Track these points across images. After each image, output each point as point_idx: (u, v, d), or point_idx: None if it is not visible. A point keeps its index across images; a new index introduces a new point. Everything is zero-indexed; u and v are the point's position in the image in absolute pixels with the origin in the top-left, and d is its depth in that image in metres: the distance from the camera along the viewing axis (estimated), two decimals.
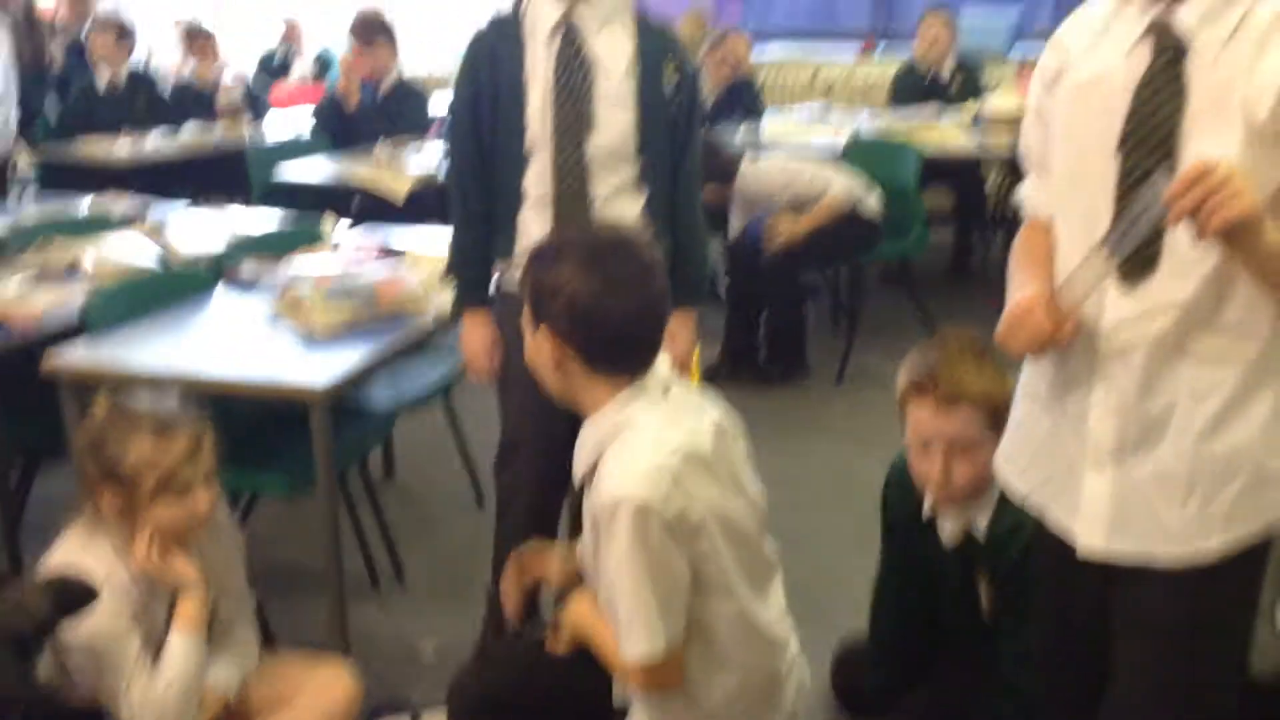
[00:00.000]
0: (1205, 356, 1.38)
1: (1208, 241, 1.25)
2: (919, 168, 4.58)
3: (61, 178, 5.01)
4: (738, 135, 5.12)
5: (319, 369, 2.36)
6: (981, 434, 1.81)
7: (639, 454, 1.55)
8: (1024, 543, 1.71)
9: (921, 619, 1.99)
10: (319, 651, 2.25)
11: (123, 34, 5.74)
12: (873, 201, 4.26)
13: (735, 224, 4.31)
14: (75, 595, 1.69)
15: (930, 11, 5.67)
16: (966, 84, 5.67)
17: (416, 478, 3.60)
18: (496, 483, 2.51)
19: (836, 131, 5.12)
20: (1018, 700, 1.80)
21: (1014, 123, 4.86)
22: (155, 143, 5.39)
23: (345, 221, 3.78)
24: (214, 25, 6.51)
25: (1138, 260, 1.37)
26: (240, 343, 2.58)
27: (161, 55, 7.39)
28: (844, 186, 4.15)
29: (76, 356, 2.45)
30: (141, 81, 5.86)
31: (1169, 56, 1.33)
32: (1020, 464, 1.60)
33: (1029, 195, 1.59)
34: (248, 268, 3.03)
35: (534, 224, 2.29)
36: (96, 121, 5.47)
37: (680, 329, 2.31)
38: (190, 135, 5.60)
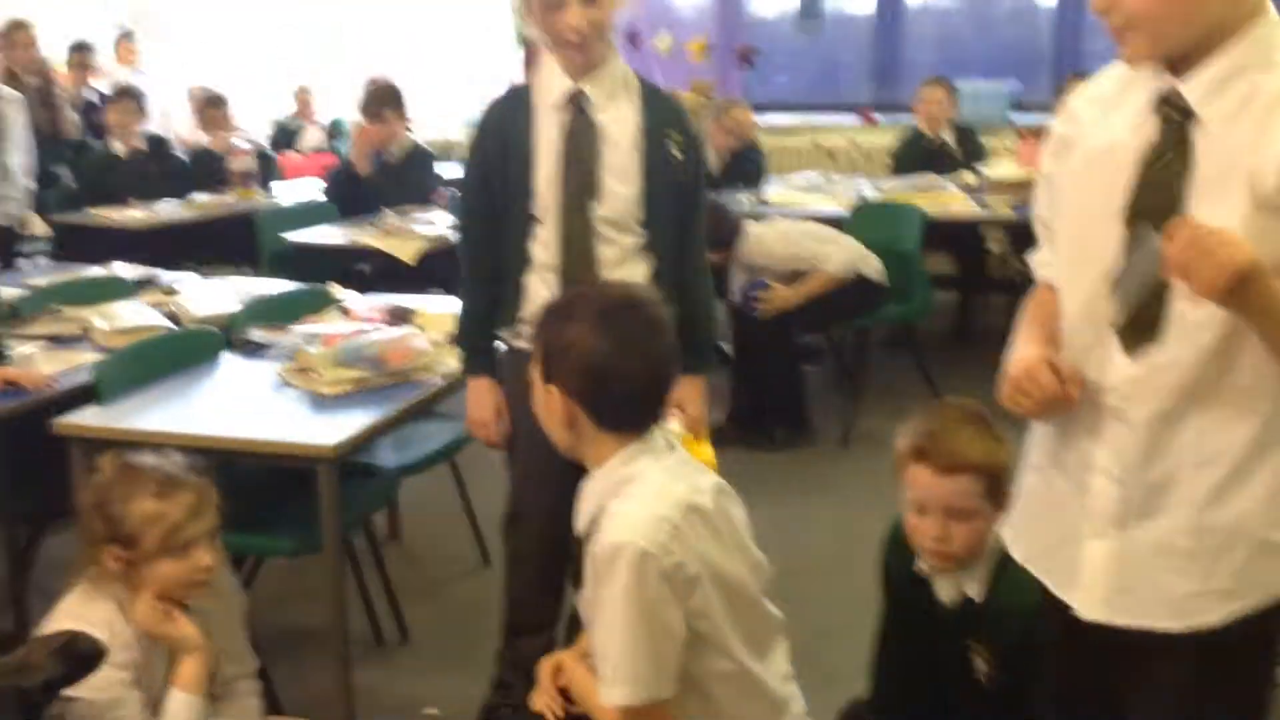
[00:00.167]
0: (1209, 423, 1.37)
1: (1204, 297, 1.25)
2: (922, 232, 4.63)
3: (75, 244, 5.09)
4: (742, 202, 5.19)
5: (326, 430, 2.39)
6: (978, 501, 1.84)
7: (642, 504, 1.57)
8: (1028, 613, 1.72)
9: (920, 679, 1.99)
10: (324, 715, 2.25)
11: (137, 102, 5.86)
12: (875, 263, 4.31)
13: (736, 288, 4.36)
14: (83, 654, 1.70)
15: (930, 81, 5.77)
16: (967, 151, 5.75)
17: (421, 539, 3.61)
18: (505, 545, 2.53)
19: (839, 199, 5.18)
20: None
21: (1015, 188, 4.93)
22: (168, 209, 5.47)
23: (353, 288, 3.82)
24: (227, 92, 6.63)
25: (1141, 325, 1.38)
26: (248, 405, 2.61)
27: (177, 122, 7.53)
28: (841, 262, 4.19)
29: (86, 418, 2.48)
30: (156, 149, 5.97)
31: (1177, 127, 1.35)
32: (1022, 532, 1.61)
33: (1039, 261, 1.60)
34: (257, 332, 3.06)
35: (540, 289, 2.33)
36: (111, 188, 5.56)
37: (690, 395, 2.33)
38: (203, 202, 5.68)
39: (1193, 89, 1.34)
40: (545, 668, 1.84)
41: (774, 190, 5.50)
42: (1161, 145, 1.37)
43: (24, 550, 2.96)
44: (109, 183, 5.63)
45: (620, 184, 2.28)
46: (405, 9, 8.46)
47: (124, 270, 3.91)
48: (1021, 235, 5.11)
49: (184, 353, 2.89)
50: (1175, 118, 1.36)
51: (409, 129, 5.47)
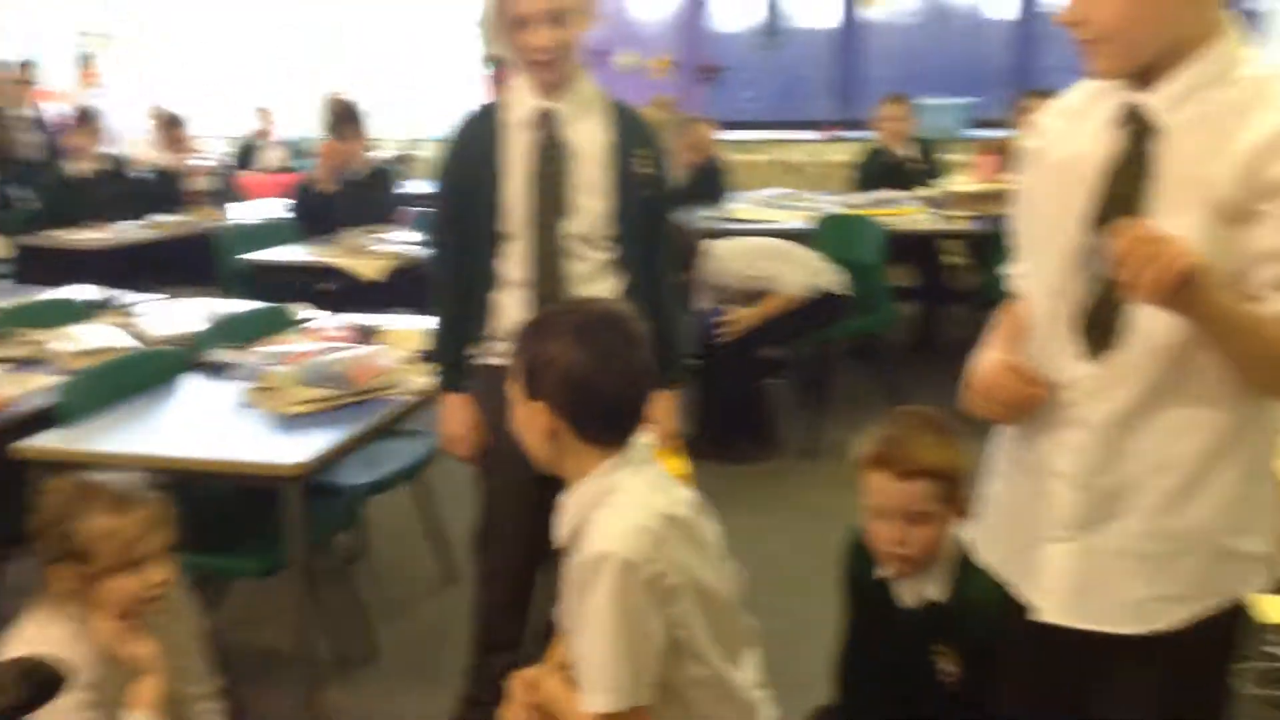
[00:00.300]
0: (1167, 430, 1.41)
1: (1148, 299, 1.28)
2: (884, 245, 4.67)
3: (35, 266, 5.04)
4: (705, 218, 5.22)
5: (291, 449, 2.39)
6: (935, 505, 1.87)
7: (624, 514, 1.60)
8: (982, 613, 1.74)
9: (884, 684, 2.01)
10: None
11: (96, 123, 5.82)
12: (836, 277, 4.34)
13: (699, 304, 4.38)
14: (46, 679, 1.68)
15: (890, 97, 5.84)
16: (927, 166, 5.82)
17: (387, 557, 3.59)
18: (475, 561, 2.53)
19: (803, 215, 5.22)
20: None
21: (974, 201, 5.00)
22: (128, 230, 5.44)
23: (316, 307, 3.81)
24: (185, 112, 6.60)
25: (1100, 331, 1.41)
26: (212, 425, 2.60)
27: (135, 143, 7.48)
28: (798, 283, 4.22)
29: (47, 441, 2.46)
30: (116, 169, 5.93)
31: (1138, 139, 1.39)
32: (987, 537, 1.64)
33: (1014, 273, 1.63)
34: (220, 353, 3.05)
35: (511, 305, 2.34)
36: (71, 210, 5.52)
37: (662, 409, 2.34)
38: (163, 222, 5.64)
39: (1155, 102, 1.38)
40: (517, 681, 1.84)
41: (738, 205, 5.54)
42: (1123, 156, 1.40)
43: None
44: (69, 204, 5.59)
45: (590, 200, 2.30)
46: (369, 27, 8.46)
47: (85, 292, 3.89)
48: (981, 247, 5.21)
49: (146, 374, 2.88)
50: (1137, 130, 1.39)
51: (373, 147, 5.47)
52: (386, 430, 2.75)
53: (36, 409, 2.69)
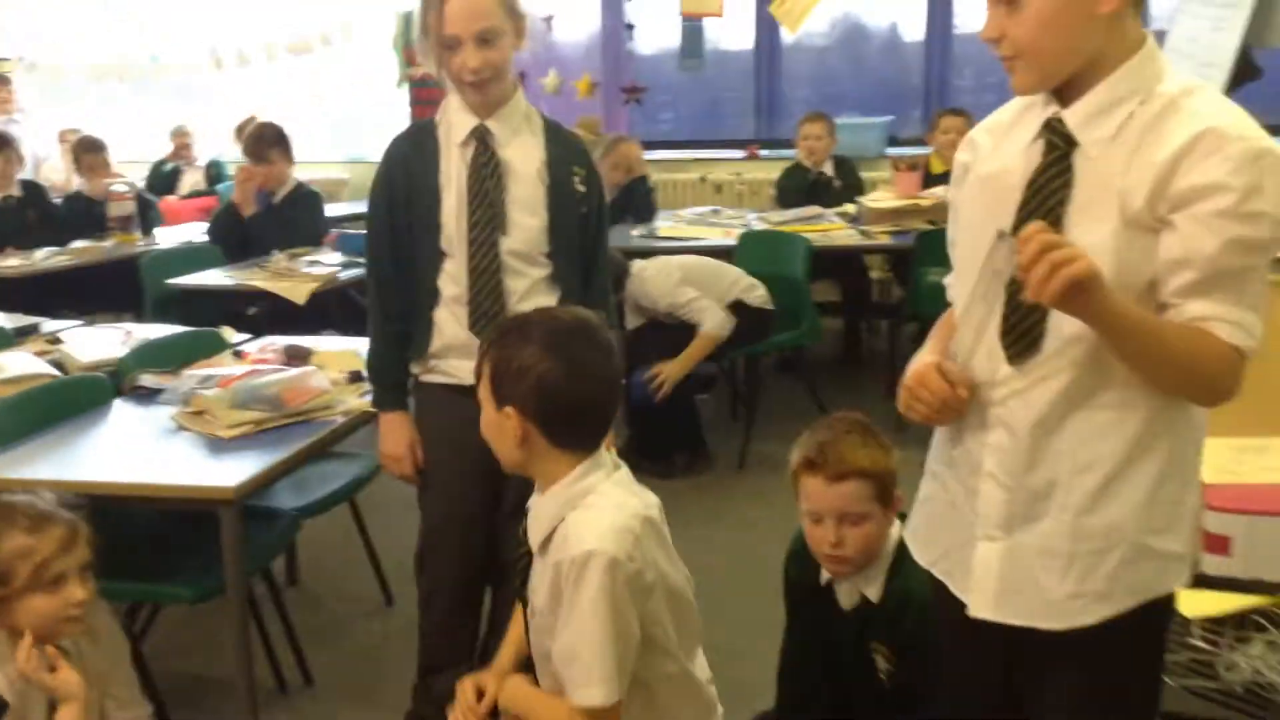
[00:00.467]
0: (1086, 432, 1.46)
1: (1043, 302, 1.33)
2: (808, 261, 4.77)
3: None
4: (633, 236, 5.27)
5: (226, 472, 2.37)
6: (868, 505, 1.93)
7: (604, 514, 1.66)
8: (918, 609, 1.80)
9: (824, 686, 2.07)
10: None
11: (11, 149, 5.71)
12: (760, 292, 4.41)
13: (630, 322, 4.41)
14: None
15: (810, 116, 5.95)
16: (847, 183, 5.94)
17: (321, 581, 3.57)
18: (418, 581, 2.53)
19: (727, 231, 5.31)
20: None
21: (893, 217, 5.12)
22: (46, 257, 5.34)
23: (244, 330, 3.78)
24: (100, 135, 6.50)
25: (1022, 337, 1.46)
26: (143, 450, 2.57)
27: (50, 168, 7.34)
28: (716, 323, 4.24)
29: None
30: (32, 196, 5.82)
31: (1059, 152, 1.45)
32: (923, 536, 1.69)
33: (948, 283, 1.68)
34: (148, 378, 3.02)
35: (449, 322, 2.36)
36: None
37: None
38: (82, 248, 5.55)
39: (1074, 116, 1.44)
40: (466, 685, 1.87)
41: (665, 223, 5.61)
42: (1045, 169, 1.46)
43: None
44: None
45: (527, 217, 2.33)
46: (288, 47, 8.39)
47: (4, 320, 3.81)
48: (901, 262, 5.33)
49: (72, 401, 2.83)
50: (1058, 143, 1.45)
51: (291, 171, 5.42)
52: (319, 453, 2.74)
53: None
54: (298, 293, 4.52)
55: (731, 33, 7.44)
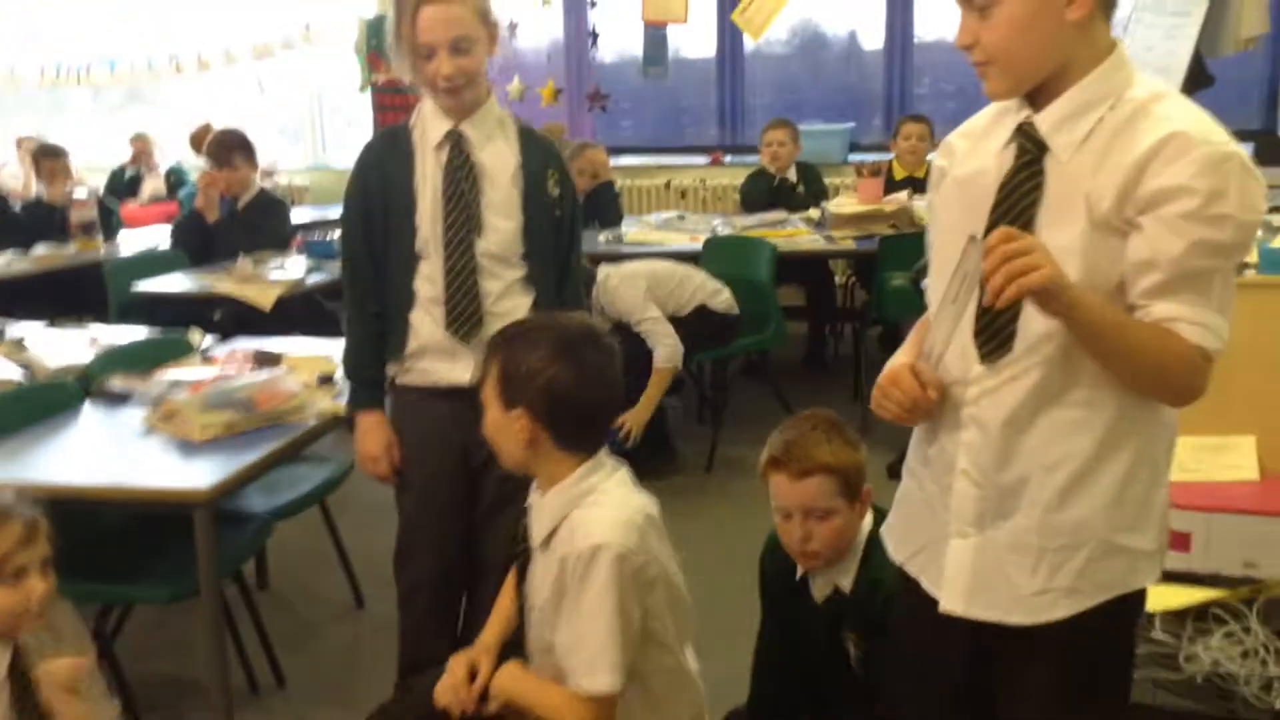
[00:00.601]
0: (1056, 430, 1.49)
1: (1005, 304, 1.38)
2: (773, 264, 4.81)
3: None
4: (599, 242, 5.30)
5: (199, 474, 2.38)
6: (834, 501, 1.97)
7: (610, 510, 1.75)
8: (886, 594, 1.84)
9: (799, 679, 2.10)
10: None
11: None
12: (725, 297, 4.45)
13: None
14: None
15: (774, 123, 6.01)
16: (810, 189, 6.01)
17: (291, 584, 3.57)
18: (398, 578, 2.54)
19: (693, 236, 5.35)
20: None
21: (856, 222, 5.18)
22: (8, 262, 5.29)
23: (210, 335, 3.77)
24: (60, 140, 6.44)
25: (994, 336, 1.49)
26: (115, 453, 2.57)
27: (13, 175, 7.25)
28: (667, 354, 4.22)
29: None
30: None
31: (1031, 156, 1.48)
32: (898, 533, 1.71)
33: (927, 285, 1.70)
34: (117, 381, 3.01)
35: (425, 323, 2.38)
36: None
37: None
38: (44, 254, 5.50)
39: (1045, 121, 1.48)
40: (457, 661, 1.90)
41: (631, 229, 5.64)
42: (1016, 172, 1.49)
43: None
44: None
45: (501, 219, 2.35)
46: (243, 52, 8.35)
47: None
48: (864, 267, 5.38)
49: (41, 406, 2.82)
50: (1030, 148, 1.49)
51: (255, 175, 5.40)
52: (290, 456, 2.74)
53: None
54: (264, 298, 4.51)
55: (693, 40, 7.49)
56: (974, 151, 1.59)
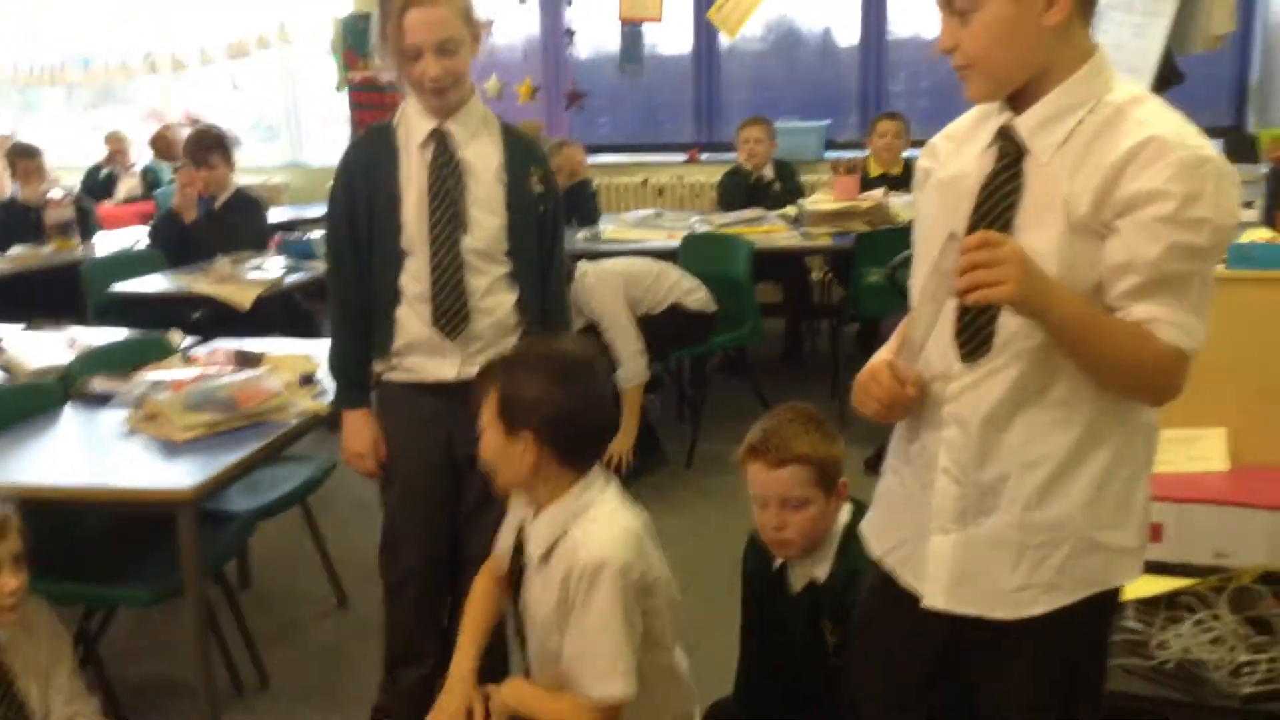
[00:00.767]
0: (1035, 429, 1.51)
1: (969, 304, 1.42)
2: (750, 262, 4.85)
3: None
4: (577, 240, 5.32)
5: (182, 474, 2.39)
6: (809, 491, 2.01)
7: (609, 524, 1.86)
8: (861, 581, 1.87)
9: (780, 670, 2.13)
10: None
11: None
12: (701, 295, 4.48)
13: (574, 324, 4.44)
14: None
15: (750, 120, 6.04)
16: (787, 186, 6.04)
17: (274, 583, 3.57)
18: (384, 573, 2.56)
19: (670, 234, 5.37)
20: None
21: (832, 219, 5.22)
22: None
23: (190, 336, 3.78)
24: (34, 140, 6.41)
25: (974, 336, 1.52)
26: (98, 454, 2.58)
27: None
28: (629, 374, 4.24)
29: None
30: None
31: (1011, 158, 1.50)
32: (879, 527, 1.74)
33: (912, 284, 1.71)
34: (98, 382, 3.01)
35: (411, 320, 2.39)
36: None
37: None
38: (20, 255, 5.48)
39: (1025, 124, 1.50)
40: (453, 697, 1.94)
41: (609, 226, 5.67)
42: (996, 174, 1.52)
43: None
44: None
45: (486, 216, 2.37)
46: (218, 51, 8.32)
47: None
48: (841, 263, 5.42)
49: (22, 407, 2.82)
50: (1010, 150, 1.51)
51: (233, 176, 5.39)
52: (271, 455, 2.75)
53: None
54: (242, 298, 4.51)
55: (670, 37, 7.51)
56: (957, 153, 1.61)
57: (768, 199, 5.87)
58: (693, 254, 4.94)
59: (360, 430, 2.47)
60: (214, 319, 4.51)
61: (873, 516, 1.77)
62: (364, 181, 2.39)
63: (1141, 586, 2.13)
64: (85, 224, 6.01)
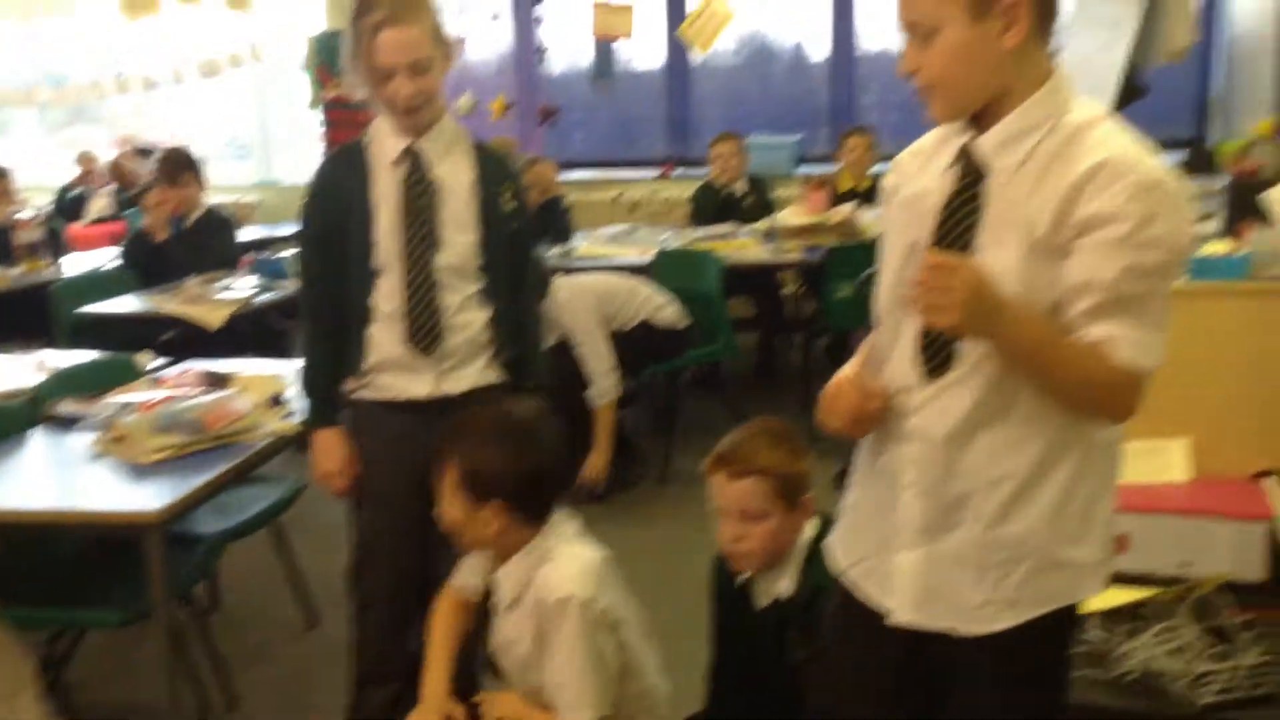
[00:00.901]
0: (997, 445, 1.52)
1: (931, 325, 1.45)
2: (722, 277, 4.87)
3: None
4: (550, 257, 5.33)
5: (150, 496, 2.38)
6: (768, 503, 2.02)
7: (570, 564, 1.98)
8: (828, 597, 1.88)
9: (748, 685, 2.14)
10: None
11: None
12: (672, 311, 4.50)
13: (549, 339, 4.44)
14: None
15: (722, 136, 6.07)
16: (758, 201, 6.07)
17: (242, 606, 3.55)
18: (352, 592, 2.55)
19: (643, 250, 5.39)
20: None
21: (804, 233, 5.25)
22: None
23: (161, 356, 3.76)
24: (2, 161, 6.37)
25: (937, 353, 1.53)
26: (65, 477, 2.56)
27: None
28: (600, 390, 4.26)
29: None
30: None
31: (972, 178, 1.52)
32: (844, 541, 1.75)
33: (876, 299, 1.73)
34: (66, 405, 3.00)
35: (384, 338, 2.40)
36: None
37: None
38: None
39: (985, 144, 1.52)
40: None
41: (582, 243, 5.68)
42: (957, 194, 1.54)
43: None
44: None
45: (459, 234, 2.38)
46: (190, 70, 8.30)
47: None
48: (813, 277, 5.44)
49: None
50: (971, 171, 1.53)
51: (204, 196, 5.38)
52: (239, 477, 2.74)
53: None
54: (212, 318, 4.50)
55: (641, 53, 7.54)
56: (922, 170, 1.62)
57: (740, 214, 5.90)
58: (665, 270, 4.96)
59: (332, 449, 2.47)
60: (185, 339, 4.49)
61: (838, 530, 1.78)
62: (336, 200, 2.40)
63: (1105, 598, 2.15)
64: (56, 245, 5.97)
